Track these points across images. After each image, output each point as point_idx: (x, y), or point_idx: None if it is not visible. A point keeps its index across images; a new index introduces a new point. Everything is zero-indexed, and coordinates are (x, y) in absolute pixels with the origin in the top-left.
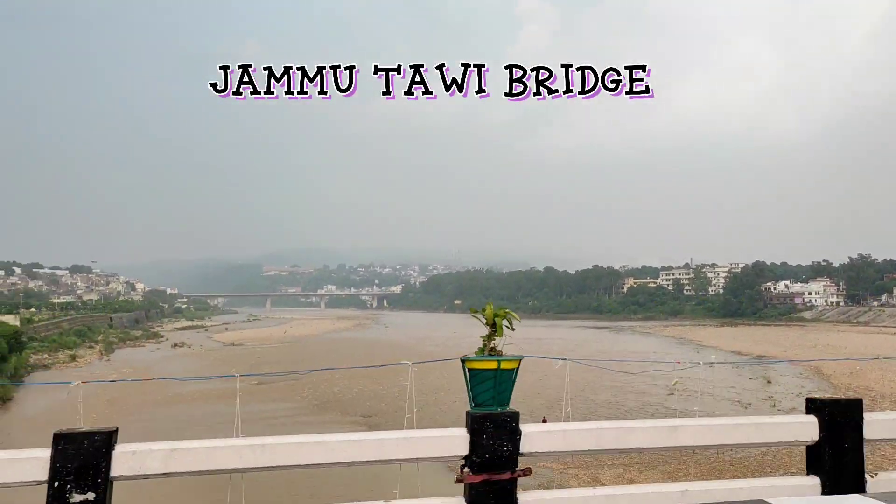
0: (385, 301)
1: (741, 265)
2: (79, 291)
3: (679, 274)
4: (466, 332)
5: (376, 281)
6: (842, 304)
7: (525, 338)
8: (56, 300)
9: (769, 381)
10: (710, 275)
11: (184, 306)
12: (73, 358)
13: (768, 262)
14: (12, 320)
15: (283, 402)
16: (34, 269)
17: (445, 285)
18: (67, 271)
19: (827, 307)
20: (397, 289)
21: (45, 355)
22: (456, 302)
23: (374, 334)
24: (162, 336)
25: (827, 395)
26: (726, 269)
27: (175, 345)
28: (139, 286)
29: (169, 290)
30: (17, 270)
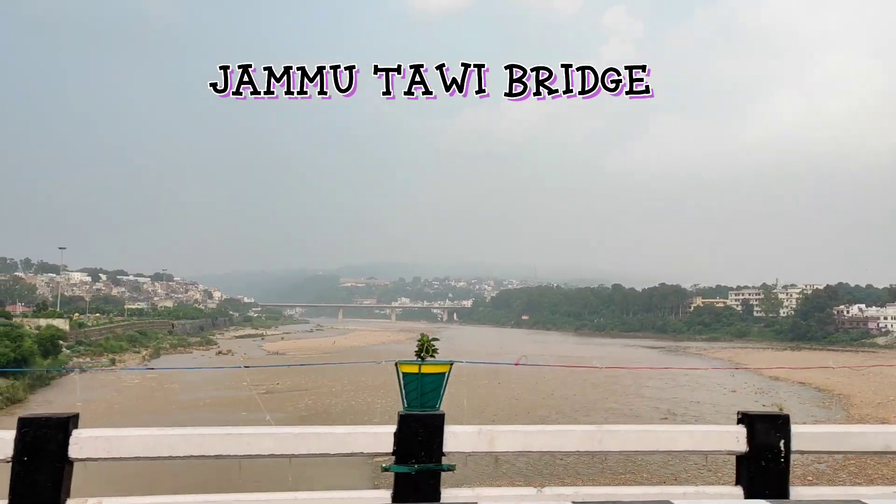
0: (455, 315)
1: (816, 287)
2: (155, 298)
3: (749, 294)
4: (512, 347)
5: (450, 294)
6: None
7: (557, 353)
8: (131, 306)
9: (780, 409)
10: (781, 296)
11: (255, 315)
12: (113, 361)
13: (853, 285)
14: (62, 324)
15: (275, 412)
16: (118, 276)
17: (514, 300)
18: (149, 279)
19: None
20: (468, 303)
21: (87, 358)
22: (524, 317)
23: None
24: (215, 343)
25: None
26: (798, 291)
27: (219, 352)
28: (216, 294)
29: (246, 299)
30: (103, 277)
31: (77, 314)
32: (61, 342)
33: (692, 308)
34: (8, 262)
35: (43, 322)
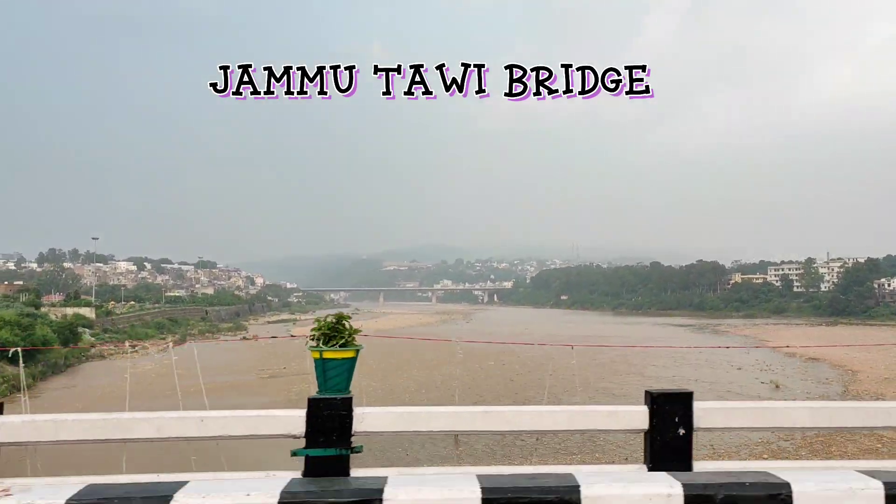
0: (496, 296)
1: (857, 260)
2: (197, 286)
3: (789, 270)
4: (538, 328)
5: (492, 276)
6: None
7: (581, 333)
8: (171, 294)
9: (777, 386)
10: (822, 270)
11: (294, 301)
12: (135, 348)
13: None
14: (88, 312)
15: (261, 396)
16: (162, 265)
17: (553, 281)
18: (193, 267)
19: None
20: (509, 284)
21: (112, 345)
22: (562, 297)
23: (446, 330)
24: (245, 329)
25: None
26: (840, 265)
27: (244, 337)
28: (258, 281)
29: (289, 285)
30: (148, 266)
31: (112, 302)
32: (86, 329)
33: (730, 285)
34: (57, 252)
35: (70, 311)
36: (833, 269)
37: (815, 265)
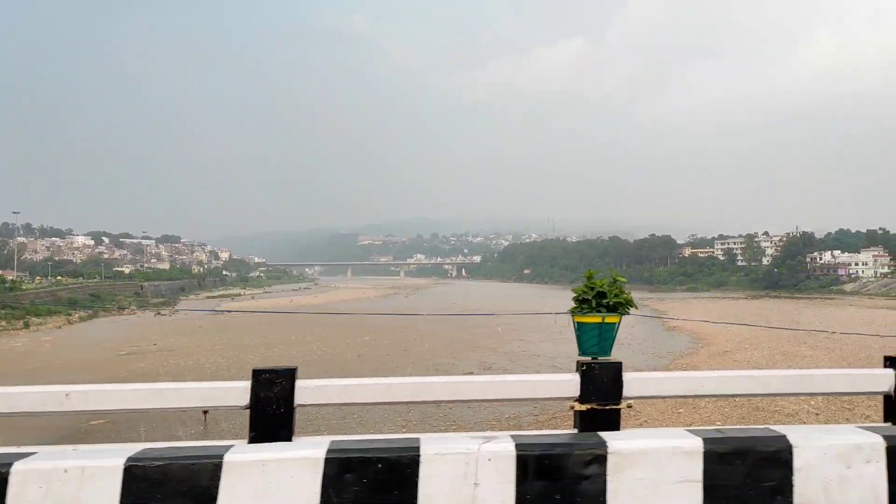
0: (464, 270)
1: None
2: (153, 261)
3: (733, 244)
4: (476, 301)
5: (465, 250)
6: (891, 276)
7: (515, 306)
8: (119, 268)
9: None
10: (764, 244)
11: (256, 276)
12: (27, 325)
13: (837, 230)
14: None
15: (80, 373)
16: (122, 239)
17: (518, 255)
18: (154, 241)
19: (871, 280)
20: (477, 258)
21: (3, 322)
22: (525, 271)
23: (378, 305)
24: (173, 305)
25: None
26: (779, 238)
27: (158, 313)
28: (223, 255)
29: (257, 259)
30: (106, 240)
31: (39, 278)
32: None
33: (678, 259)
34: (10, 226)
35: None
36: (775, 244)
37: (756, 239)
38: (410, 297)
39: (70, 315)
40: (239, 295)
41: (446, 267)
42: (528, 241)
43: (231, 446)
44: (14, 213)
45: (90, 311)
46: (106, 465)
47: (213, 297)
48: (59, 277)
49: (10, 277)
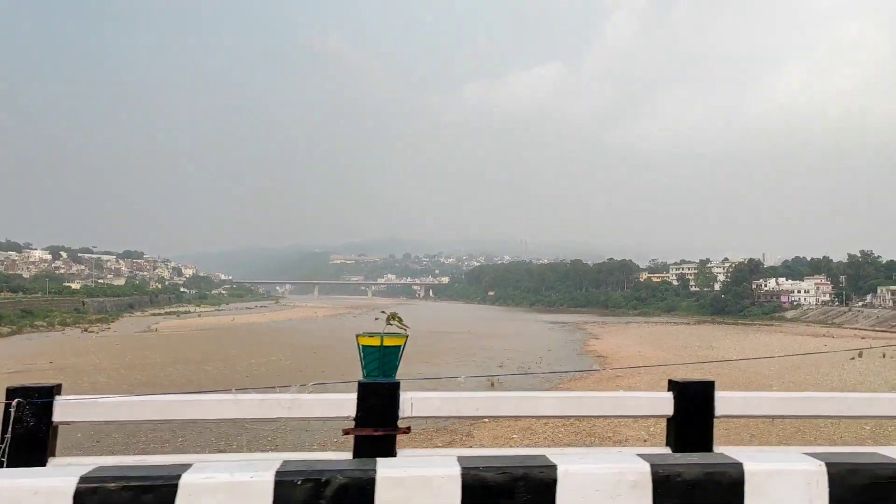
0: (431, 291)
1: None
2: (109, 276)
3: (687, 269)
4: (426, 323)
5: (436, 271)
6: (831, 303)
7: (454, 329)
8: (68, 283)
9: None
10: (716, 270)
11: (216, 293)
12: None
13: (790, 258)
14: None
15: None
16: (80, 254)
17: (484, 277)
18: (115, 256)
19: (811, 307)
20: (445, 279)
21: None
22: (489, 293)
23: (325, 325)
24: (110, 322)
25: None
26: (730, 265)
27: (85, 329)
28: (187, 272)
29: (223, 276)
30: (64, 255)
31: None
32: None
33: (634, 283)
34: None
35: None
36: (727, 270)
37: (709, 265)
38: (359, 317)
39: None
40: (187, 312)
41: (415, 287)
42: (500, 262)
43: None
44: None
45: (13, 328)
46: None
47: (159, 314)
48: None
49: None
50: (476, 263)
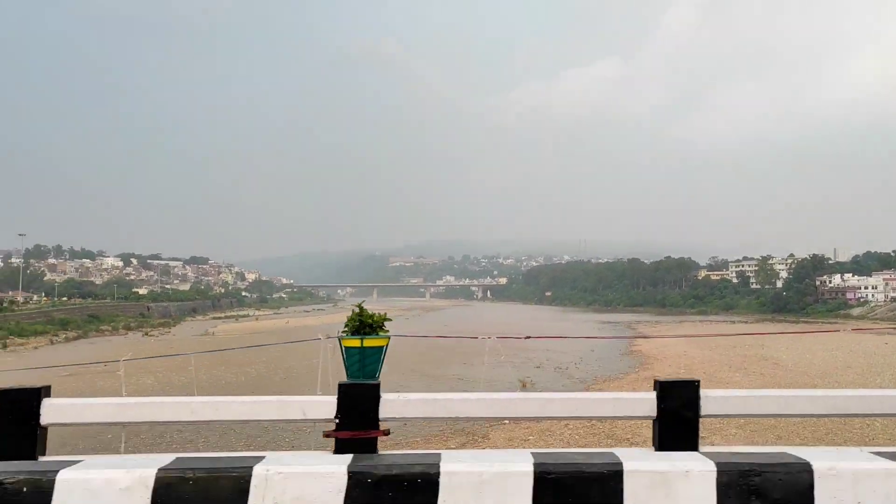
0: (489, 292)
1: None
2: (175, 281)
3: (746, 266)
4: (473, 324)
5: (495, 272)
6: None
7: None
8: (137, 289)
9: (524, 384)
10: (779, 267)
11: (277, 297)
12: (5, 346)
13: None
14: None
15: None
16: (150, 261)
17: (541, 277)
18: (182, 262)
19: (879, 304)
20: (504, 280)
21: None
22: (547, 294)
23: None
24: (171, 326)
25: None
26: (794, 261)
27: (146, 334)
28: (250, 276)
29: (284, 281)
30: (134, 262)
31: (42, 296)
32: None
33: (692, 282)
34: (42, 248)
35: None
36: (790, 266)
37: (770, 262)
38: (410, 319)
39: (55, 335)
40: (245, 316)
41: (473, 289)
42: (559, 262)
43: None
44: (20, 235)
45: (79, 332)
46: None
47: (219, 318)
48: (63, 298)
49: (20, 298)
50: (535, 264)
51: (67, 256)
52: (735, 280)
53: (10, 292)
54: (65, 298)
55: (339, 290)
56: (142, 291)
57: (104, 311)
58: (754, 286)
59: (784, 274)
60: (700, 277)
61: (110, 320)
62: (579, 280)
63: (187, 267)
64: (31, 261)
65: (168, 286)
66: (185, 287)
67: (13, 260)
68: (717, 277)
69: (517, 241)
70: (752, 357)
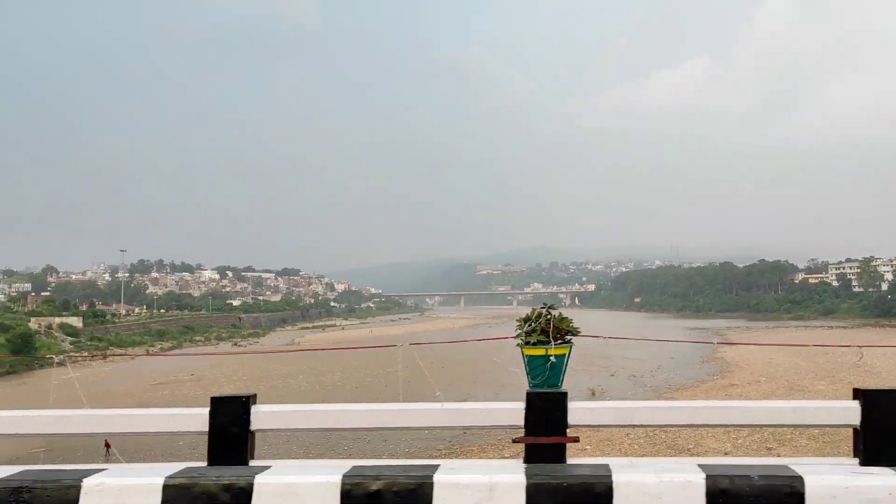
0: (577, 299)
1: None
2: (267, 293)
3: (848, 269)
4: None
5: (583, 278)
6: None
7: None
8: (231, 301)
9: (593, 393)
10: (882, 268)
11: (365, 306)
12: (105, 357)
13: None
14: (75, 321)
15: (98, 401)
16: (244, 273)
17: (630, 283)
18: (274, 274)
19: None
20: (592, 286)
21: (87, 354)
22: (636, 300)
23: (459, 335)
24: (261, 336)
25: None
26: None
27: (235, 343)
28: (339, 287)
29: (373, 290)
30: (229, 274)
31: (143, 309)
32: (67, 337)
33: (788, 285)
34: (145, 262)
35: (58, 320)
36: (895, 267)
37: (874, 263)
38: (493, 326)
39: (152, 345)
40: (332, 326)
41: (561, 296)
42: (649, 267)
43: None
44: (121, 251)
45: (173, 343)
46: None
47: (307, 328)
48: (162, 310)
49: (122, 310)
50: (624, 269)
51: (168, 270)
52: (835, 283)
53: (115, 305)
54: (163, 311)
55: (426, 299)
56: (235, 303)
57: (199, 322)
58: (857, 289)
59: (889, 276)
60: (797, 281)
61: (203, 331)
62: (669, 285)
63: (279, 279)
64: (136, 275)
65: (260, 297)
66: (277, 298)
67: (119, 274)
68: (816, 281)
69: (607, 247)
70: (843, 364)
